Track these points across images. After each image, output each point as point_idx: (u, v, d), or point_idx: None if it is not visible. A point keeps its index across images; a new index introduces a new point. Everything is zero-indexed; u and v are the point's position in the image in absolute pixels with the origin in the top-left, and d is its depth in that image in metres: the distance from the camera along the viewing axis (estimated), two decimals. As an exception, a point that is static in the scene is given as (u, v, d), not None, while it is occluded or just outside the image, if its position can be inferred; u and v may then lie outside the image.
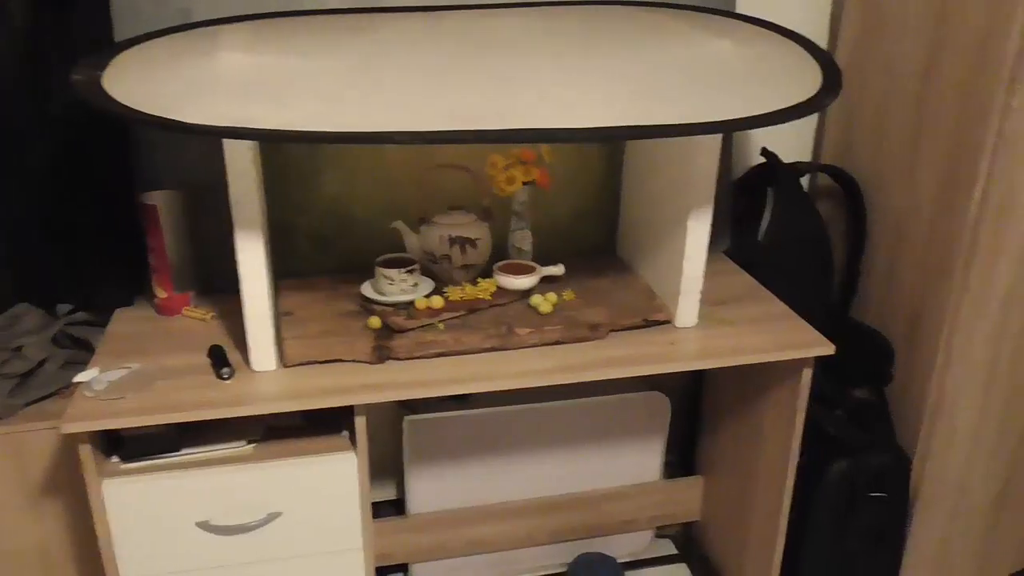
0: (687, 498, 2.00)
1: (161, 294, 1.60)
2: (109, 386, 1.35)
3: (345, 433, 1.47)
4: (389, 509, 2.01)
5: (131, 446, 1.38)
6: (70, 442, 1.46)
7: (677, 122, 1.22)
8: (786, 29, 1.54)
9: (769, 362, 1.52)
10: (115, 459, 1.39)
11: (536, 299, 1.55)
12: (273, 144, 1.58)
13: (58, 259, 1.60)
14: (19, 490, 1.49)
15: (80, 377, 1.38)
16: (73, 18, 1.45)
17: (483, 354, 1.47)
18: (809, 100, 1.28)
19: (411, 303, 1.52)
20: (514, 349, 1.48)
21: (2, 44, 1.44)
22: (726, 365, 1.48)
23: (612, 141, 1.69)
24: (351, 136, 1.09)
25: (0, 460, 1.46)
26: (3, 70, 1.46)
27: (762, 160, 1.89)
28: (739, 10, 1.82)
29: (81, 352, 1.57)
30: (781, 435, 1.62)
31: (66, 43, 1.46)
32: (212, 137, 1.12)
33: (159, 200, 1.54)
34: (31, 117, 1.50)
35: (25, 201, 1.55)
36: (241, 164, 1.27)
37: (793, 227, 1.81)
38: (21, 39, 1.45)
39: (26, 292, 1.59)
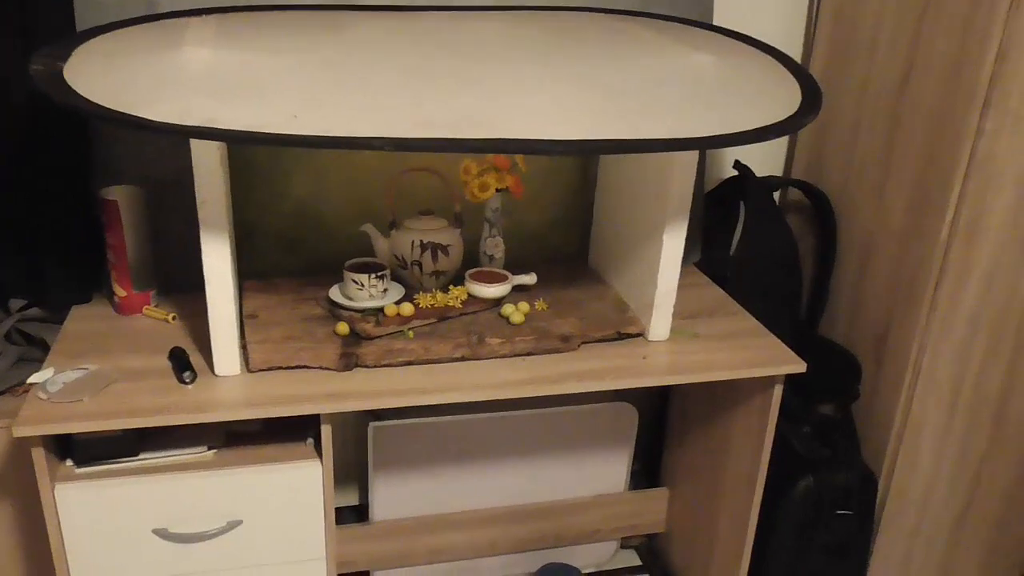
0: (652, 509, 2.00)
1: (120, 292, 1.55)
2: (64, 388, 1.31)
3: (310, 440, 1.43)
4: (351, 515, 1.98)
5: (87, 450, 1.33)
6: (22, 445, 1.41)
7: (657, 137, 1.21)
8: (765, 44, 1.53)
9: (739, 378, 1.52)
10: (69, 463, 1.34)
11: (508, 308, 1.52)
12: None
13: (12, 253, 1.54)
14: (-35, 492, 1.45)
15: (35, 378, 1.33)
16: (32, 3, 1.39)
17: (453, 363, 1.44)
18: (790, 118, 1.27)
19: (380, 309, 1.49)
20: (484, 359, 1.46)
21: (-41, 29, 1.39)
22: (698, 381, 1.47)
23: (592, 154, 1.67)
24: (326, 140, 1.06)
25: (-55, 461, 1.42)
26: (-40, 57, 1.40)
27: (735, 173, 1.89)
28: (716, 23, 1.81)
29: (34, 349, 1.52)
30: (749, 450, 1.62)
31: (24, 30, 1.40)
32: (180, 137, 1.08)
33: (120, 196, 1.49)
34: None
35: (-20, 193, 1.50)
36: (209, 163, 1.23)
37: (764, 241, 1.81)
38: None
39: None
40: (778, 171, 2.03)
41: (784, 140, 2.02)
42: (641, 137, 1.20)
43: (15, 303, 1.55)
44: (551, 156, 1.69)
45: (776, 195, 2.02)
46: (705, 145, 1.21)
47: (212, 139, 1.05)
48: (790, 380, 1.55)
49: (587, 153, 1.08)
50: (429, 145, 1.08)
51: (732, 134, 1.22)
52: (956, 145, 1.54)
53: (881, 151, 1.72)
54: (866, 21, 1.74)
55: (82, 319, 1.55)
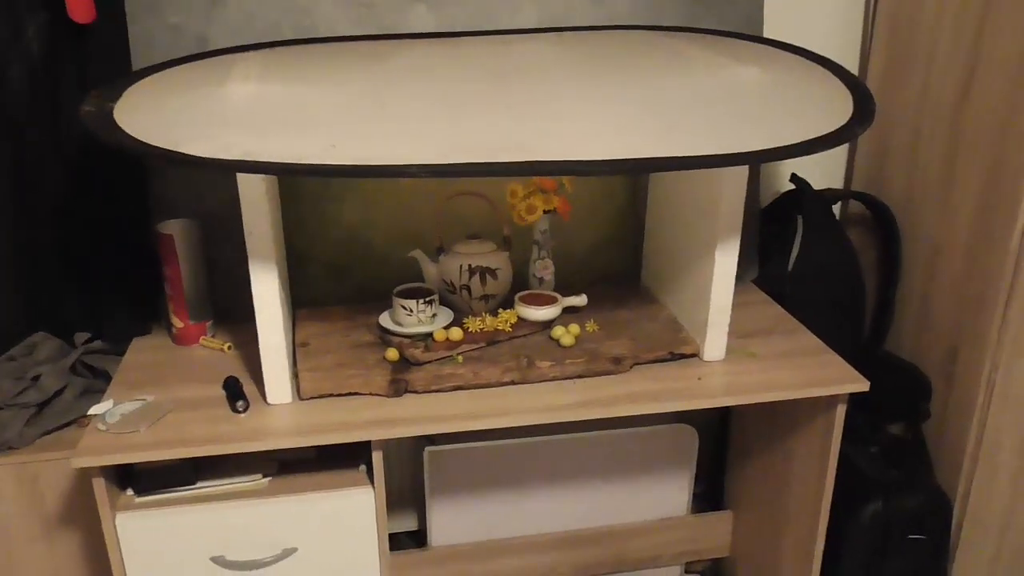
0: (716, 534, 1.94)
1: (178, 324, 1.58)
2: (122, 419, 1.34)
3: (362, 467, 1.44)
4: (410, 540, 1.98)
5: (146, 479, 1.36)
6: (84, 475, 1.45)
7: (701, 153, 1.18)
8: (816, 54, 1.49)
9: (800, 398, 1.47)
10: (129, 492, 1.37)
11: (558, 331, 1.51)
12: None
13: (75, 288, 1.60)
14: (34, 519, 1.49)
15: (94, 409, 1.36)
16: (91, 48, 1.45)
17: (502, 388, 1.43)
18: (839, 130, 1.23)
19: (429, 335, 1.48)
20: (534, 383, 1.44)
21: (21, 73, 1.45)
22: (756, 402, 1.43)
23: (629, 174, 1.65)
24: (359, 169, 1.06)
25: (16, 489, 1.46)
26: (22, 99, 1.46)
27: (792, 187, 1.84)
28: (768, 35, 1.78)
29: (98, 381, 1.56)
30: (813, 473, 1.56)
31: (83, 72, 1.45)
32: (220, 171, 1.10)
33: (175, 229, 1.52)
34: (49, 146, 1.50)
35: (43, 230, 1.55)
36: (254, 196, 1.25)
37: (823, 256, 1.76)
38: (40, 69, 1.46)
39: (44, 321, 1.59)
40: (838, 183, 1.98)
41: (843, 152, 1.96)
42: (684, 154, 1.18)
43: (80, 336, 1.60)
44: (589, 176, 1.66)
45: (837, 208, 1.96)
46: (749, 160, 1.18)
47: (249, 172, 1.07)
48: (856, 400, 1.49)
49: (621, 172, 1.07)
50: (462, 170, 1.08)
51: (778, 148, 1.19)
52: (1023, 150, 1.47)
53: (944, 159, 1.66)
54: (924, 26, 1.68)
55: (142, 351, 1.59)
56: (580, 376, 1.46)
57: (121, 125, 1.15)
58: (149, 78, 1.33)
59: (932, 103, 1.68)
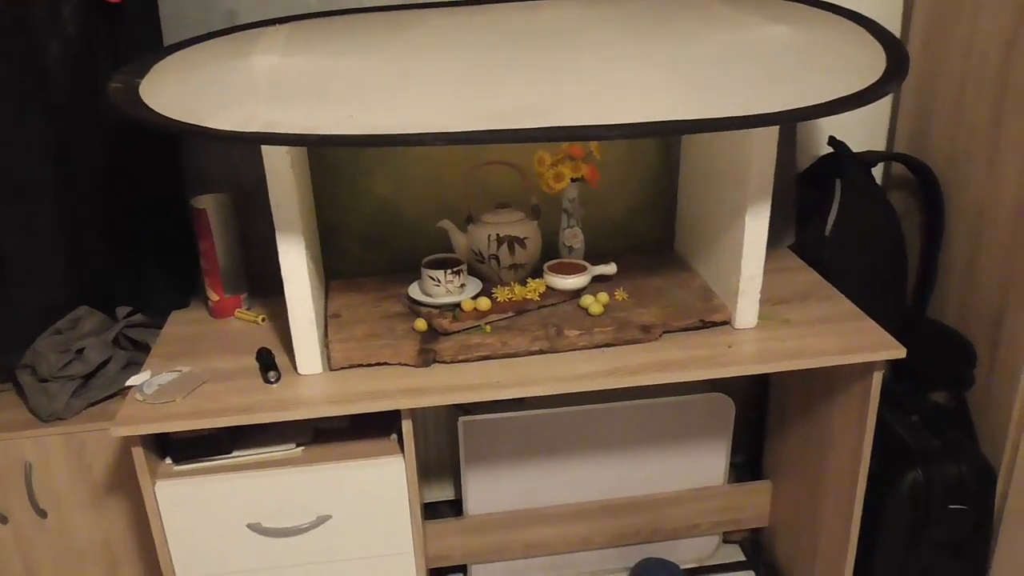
0: (754, 503, 1.92)
1: (213, 297, 1.61)
2: (159, 389, 1.37)
3: (394, 436, 1.45)
4: (448, 510, 2.00)
5: (183, 448, 1.40)
6: (125, 444, 1.49)
7: (725, 115, 1.16)
8: (848, 10, 1.44)
9: (835, 365, 1.44)
10: (168, 461, 1.41)
11: (587, 299, 1.50)
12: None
13: (116, 262, 1.63)
14: (83, 488, 1.54)
15: (132, 380, 1.40)
16: (123, 26, 1.47)
17: (530, 357, 1.43)
18: (869, 88, 1.19)
19: (458, 305, 1.49)
20: (563, 352, 1.44)
21: (58, 53, 1.48)
22: (786, 369, 1.40)
23: (645, 137, 1.61)
24: (375, 139, 1.07)
25: (64, 459, 1.51)
26: (59, 79, 1.49)
27: (830, 150, 1.79)
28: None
29: (140, 354, 1.61)
30: (850, 441, 1.53)
31: (117, 50, 1.48)
32: (238, 143, 1.11)
33: (208, 204, 1.55)
34: (87, 124, 1.53)
35: (84, 206, 1.59)
36: (279, 168, 1.26)
37: (862, 220, 1.71)
38: (75, 48, 1.49)
39: (87, 295, 1.63)
40: (880, 145, 1.92)
41: (885, 113, 1.90)
42: (707, 116, 1.16)
43: (121, 310, 1.64)
44: (603, 140, 1.63)
45: (879, 171, 1.91)
46: (772, 121, 1.15)
47: (267, 143, 1.08)
48: (897, 367, 1.46)
49: (637, 136, 1.05)
50: (477, 137, 1.07)
51: (802, 108, 1.15)
52: (1072, 105, 1.41)
53: (990, 118, 1.59)
54: (969, -22, 1.62)
55: (179, 323, 1.63)
56: (609, 345, 1.45)
57: (146, 100, 1.17)
58: (176, 54, 1.34)
59: (978, 58, 1.62)
